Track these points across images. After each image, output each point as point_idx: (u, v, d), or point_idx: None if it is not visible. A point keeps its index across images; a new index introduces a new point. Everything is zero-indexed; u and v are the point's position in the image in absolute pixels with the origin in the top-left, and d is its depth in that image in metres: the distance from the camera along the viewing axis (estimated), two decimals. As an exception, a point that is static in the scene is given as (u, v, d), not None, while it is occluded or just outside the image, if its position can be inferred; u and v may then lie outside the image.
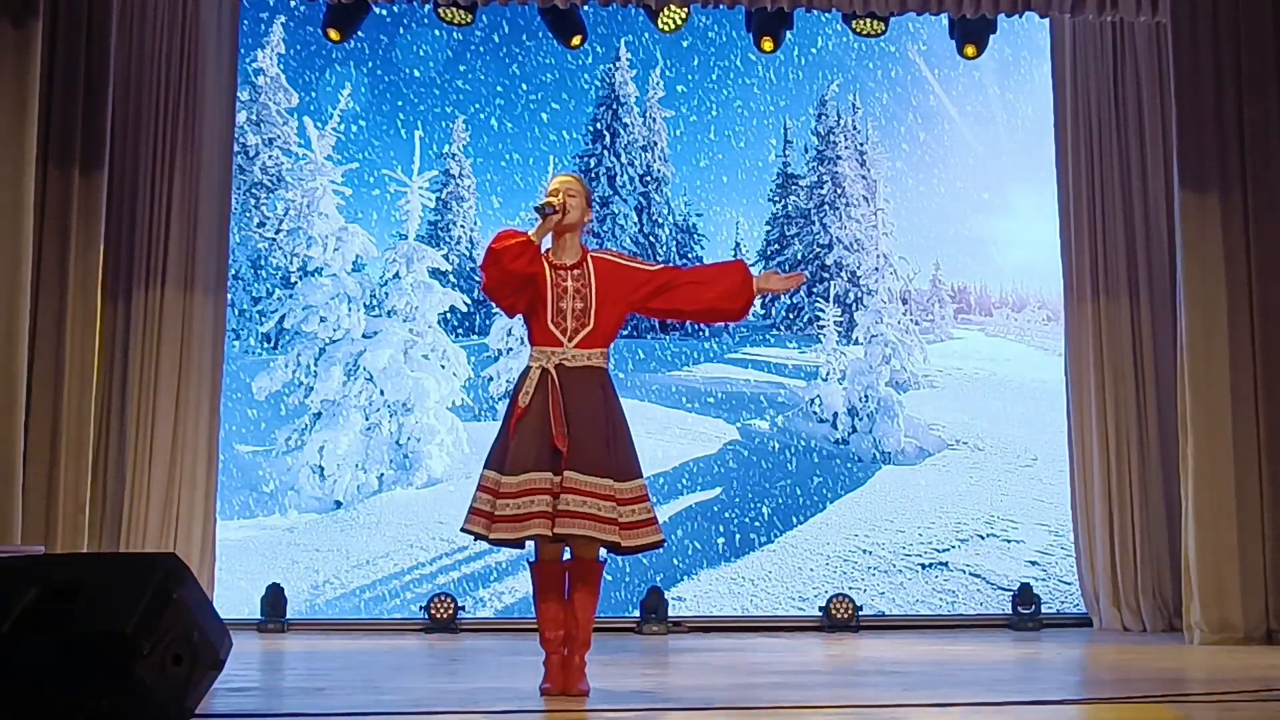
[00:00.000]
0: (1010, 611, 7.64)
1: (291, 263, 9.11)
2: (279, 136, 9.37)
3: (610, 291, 4.30)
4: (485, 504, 4.17)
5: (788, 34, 7.80)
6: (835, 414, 9.05)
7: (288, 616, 7.41)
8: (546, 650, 4.32)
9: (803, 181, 9.51)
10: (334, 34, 7.58)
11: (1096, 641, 6.78)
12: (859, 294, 9.26)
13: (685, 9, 7.37)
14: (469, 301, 9.28)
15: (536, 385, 4.17)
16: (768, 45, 7.67)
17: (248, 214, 9.11)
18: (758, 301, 4.69)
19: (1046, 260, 8.19)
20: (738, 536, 8.39)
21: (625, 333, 9.32)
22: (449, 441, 8.91)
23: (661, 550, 4.38)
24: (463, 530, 4.25)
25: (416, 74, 9.05)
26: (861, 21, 7.41)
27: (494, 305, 4.53)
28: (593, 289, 4.29)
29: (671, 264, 4.85)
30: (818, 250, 9.44)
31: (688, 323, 8.78)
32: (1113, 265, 7.57)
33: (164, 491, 7.07)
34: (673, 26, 7.59)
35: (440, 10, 7.34)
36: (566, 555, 4.29)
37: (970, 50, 7.64)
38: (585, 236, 4.51)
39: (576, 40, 7.64)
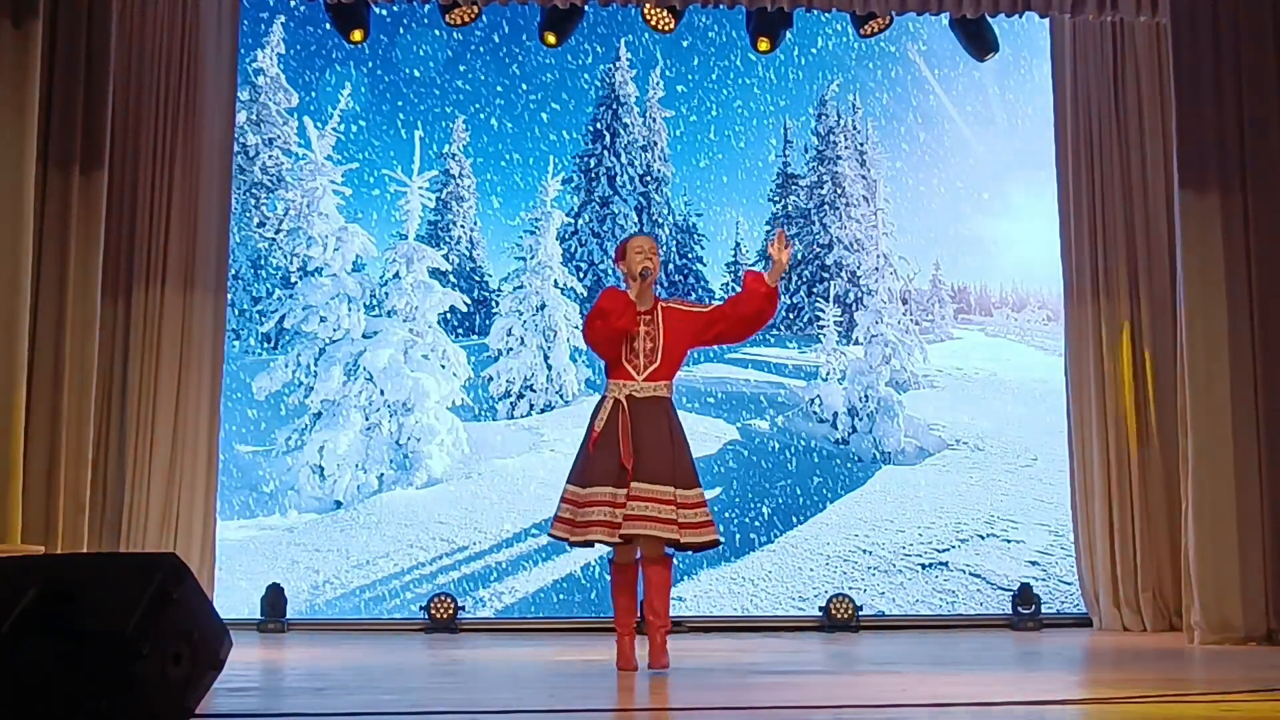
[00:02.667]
0: (1010, 611, 7.64)
1: (291, 263, 9.11)
2: (279, 136, 9.37)
3: (675, 335, 4.98)
4: (568, 513, 4.84)
5: (787, 34, 7.81)
6: (835, 414, 9.06)
7: (288, 616, 7.40)
8: (621, 634, 5.02)
9: (803, 181, 9.51)
10: (357, 34, 7.55)
11: (1096, 642, 6.77)
12: (859, 294, 9.26)
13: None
14: (469, 301, 9.29)
15: (610, 412, 4.84)
16: (764, 46, 7.67)
17: (248, 214, 9.11)
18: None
19: (1046, 260, 8.19)
20: (738, 536, 8.39)
21: (625, 333, 9.33)
22: (449, 441, 8.91)
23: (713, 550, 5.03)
24: (550, 535, 4.93)
25: (416, 74, 9.05)
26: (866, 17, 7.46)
27: (593, 352, 5.16)
28: (660, 332, 4.96)
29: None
30: (818, 250, 9.45)
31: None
32: (1113, 265, 7.57)
33: (164, 491, 7.06)
34: (664, 27, 7.59)
35: (447, 16, 7.36)
36: (639, 556, 4.98)
37: (989, 55, 7.74)
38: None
39: (551, 39, 7.61)
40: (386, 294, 9.11)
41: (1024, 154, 8.75)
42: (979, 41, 7.68)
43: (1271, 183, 6.67)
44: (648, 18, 7.60)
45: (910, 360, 9.17)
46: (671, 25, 7.61)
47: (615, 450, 4.76)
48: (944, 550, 8.32)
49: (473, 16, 7.51)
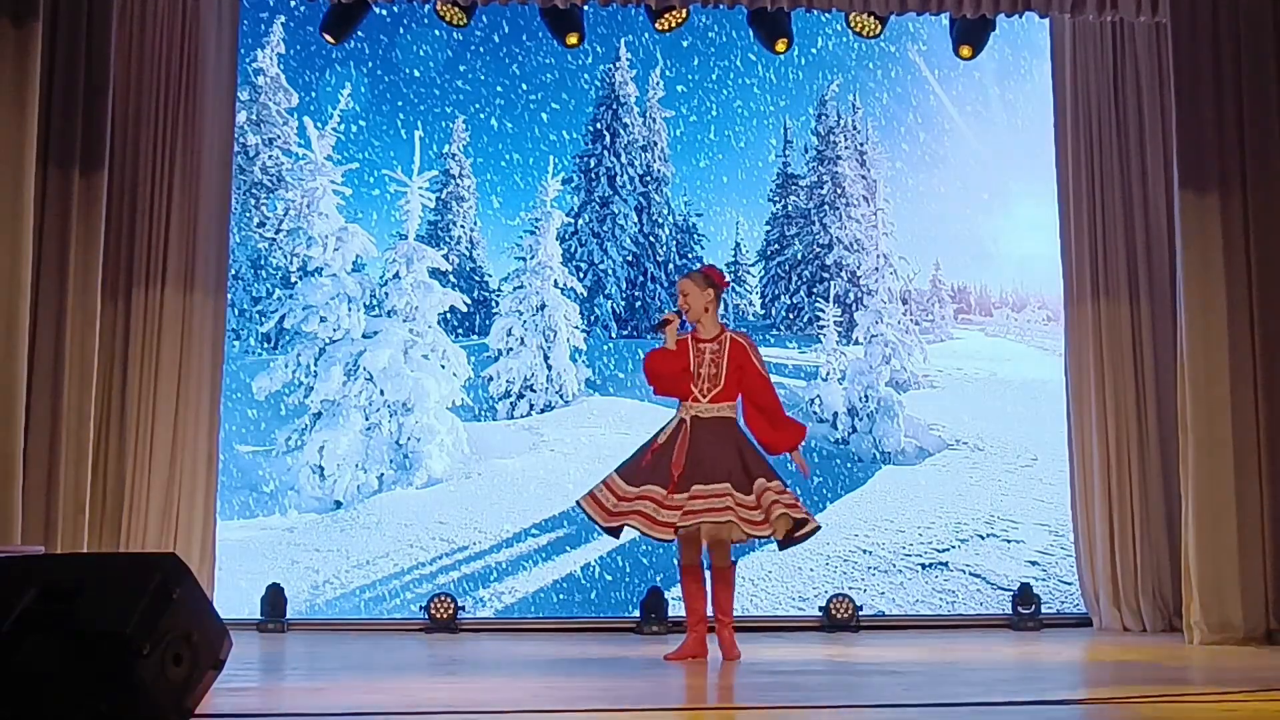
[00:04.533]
0: (1010, 611, 7.64)
1: (291, 263, 9.11)
2: (279, 136, 9.38)
3: (736, 368, 5.63)
4: (607, 500, 5.47)
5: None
6: (835, 414, 9.06)
7: (288, 616, 7.40)
8: (690, 628, 5.71)
9: (803, 181, 9.51)
10: (329, 37, 7.50)
11: (1096, 641, 6.77)
12: (859, 294, 9.26)
13: (684, 10, 7.31)
14: (469, 301, 9.29)
15: (674, 428, 5.54)
16: (781, 46, 7.53)
17: (248, 214, 9.11)
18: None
19: (1046, 260, 8.18)
20: (738, 536, 8.37)
21: (625, 333, 9.34)
22: (449, 441, 8.91)
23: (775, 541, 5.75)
24: (579, 505, 5.55)
25: (416, 74, 9.05)
26: (860, 18, 7.36)
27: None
28: (725, 360, 5.61)
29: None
30: (818, 250, 9.45)
31: None
32: (1113, 265, 7.56)
33: (164, 491, 7.06)
34: (669, 25, 7.50)
35: (440, 9, 7.32)
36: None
37: (966, 51, 7.58)
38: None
39: (573, 39, 7.53)
40: (386, 294, 9.11)
41: (1024, 154, 8.74)
42: (963, 35, 7.56)
43: (1271, 183, 6.67)
44: (656, 24, 7.48)
45: (910, 360, 9.17)
46: (684, 15, 7.49)
47: (668, 460, 5.43)
48: (944, 550, 8.32)
49: (464, 21, 7.45)
